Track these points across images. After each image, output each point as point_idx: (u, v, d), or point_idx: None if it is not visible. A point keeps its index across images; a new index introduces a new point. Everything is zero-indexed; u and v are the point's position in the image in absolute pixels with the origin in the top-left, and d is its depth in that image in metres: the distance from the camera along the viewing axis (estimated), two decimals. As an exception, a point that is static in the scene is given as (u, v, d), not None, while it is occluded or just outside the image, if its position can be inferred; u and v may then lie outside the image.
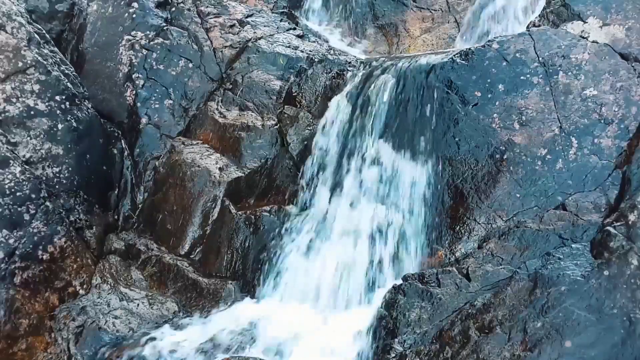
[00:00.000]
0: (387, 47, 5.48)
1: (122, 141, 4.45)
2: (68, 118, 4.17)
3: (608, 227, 3.22)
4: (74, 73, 4.39)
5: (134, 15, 4.70)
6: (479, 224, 3.64)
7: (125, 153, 4.43)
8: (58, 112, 4.14)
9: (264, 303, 3.79)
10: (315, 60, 4.52)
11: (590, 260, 3.17)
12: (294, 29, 4.96)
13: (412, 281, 3.47)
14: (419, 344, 3.27)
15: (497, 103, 3.81)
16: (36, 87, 4.09)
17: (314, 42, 4.86)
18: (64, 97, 4.19)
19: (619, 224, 3.20)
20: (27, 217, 3.86)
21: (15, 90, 4.04)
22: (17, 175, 3.88)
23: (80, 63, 4.67)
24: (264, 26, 4.89)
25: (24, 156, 3.99)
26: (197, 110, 4.54)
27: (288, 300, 3.76)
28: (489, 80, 3.85)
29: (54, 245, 3.92)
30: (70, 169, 4.13)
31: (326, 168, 4.04)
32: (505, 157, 3.70)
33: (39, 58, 4.15)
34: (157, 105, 4.52)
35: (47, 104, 4.12)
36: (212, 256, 4.04)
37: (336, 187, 3.96)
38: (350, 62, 4.45)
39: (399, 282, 3.54)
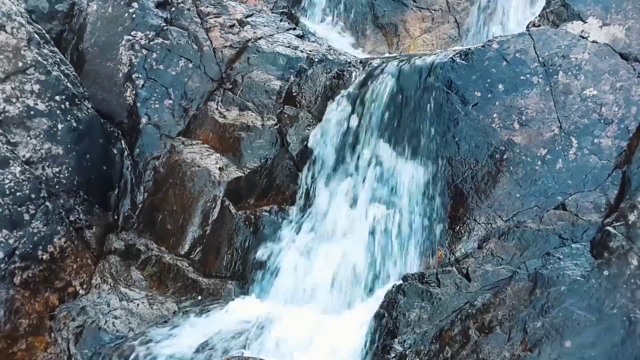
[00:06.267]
0: (387, 47, 5.48)
1: (122, 141, 4.45)
2: (68, 118, 4.17)
3: (608, 227, 3.22)
4: (73, 73, 4.39)
5: (134, 15, 4.70)
6: (479, 224, 3.64)
7: (125, 153, 4.43)
8: (58, 112, 4.14)
9: (264, 303, 3.79)
10: (315, 60, 4.52)
11: (590, 260, 3.17)
12: (294, 29, 4.96)
13: (412, 281, 3.47)
14: (419, 344, 3.27)
15: (497, 103, 3.81)
16: (36, 87, 4.10)
17: (313, 42, 4.86)
18: (64, 97, 4.19)
19: (618, 224, 3.20)
20: (27, 217, 3.86)
21: (15, 90, 4.04)
22: (17, 175, 3.88)
23: (80, 63, 4.67)
24: (264, 26, 4.89)
25: (23, 156, 3.99)
26: (197, 110, 4.54)
27: (288, 301, 3.76)
28: (489, 80, 3.85)
29: (54, 245, 3.92)
30: (70, 169, 4.13)
31: (326, 168, 4.04)
32: (505, 157, 3.70)
33: (39, 58, 4.15)
34: (157, 105, 4.52)
35: (47, 104, 4.12)
36: (212, 256, 4.04)
37: (336, 187, 3.96)
38: (350, 62, 4.45)
39: (399, 282, 3.54)
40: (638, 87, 3.70)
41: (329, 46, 4.86)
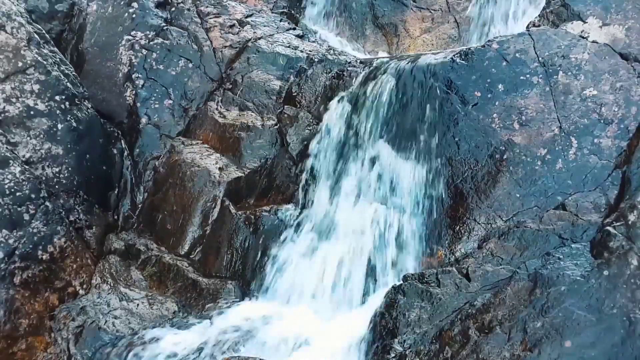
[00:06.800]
0: (387, 47, 5.48)
1: (122, 141, 4.45)
2: (68, 118, 4.17)
3: (608, 227, 3.22)
4: (73, 73, 4.39)
5: (134, 15, 4.70)
6: (479, 224, 3.64)
7: (125, 153, 4.43)
8: (58, 112, 4.14)
9: (264, 303, 3.79)
10: (315, 60, 4.52)
11: (590, 260, 3.17)
12: (294, 29, 4.96)
13: (412, 281, 3.47)
14: (418, 344, 3.27)
15: (497, 103, 3.81)
16: (36, 87, 4.09)
17: (313, 42, 4.86)
18: (63, 97, 4.19)
19: (618, 224, 3.20)
20: (26, 217, 3.86)
21: (15, 90, 4.04)
22: (17, 175, 3.88)
23: (80, 63, 4.67)
24: (264, 26, 4.89)
25: (23, 156, 3.99)
26: (197, 110, 4.54)
27: (288, 301, 3.76)
28: (488, 80, 3.85)
29: (54, 245, 3.92)
30: (70, 169, 4.13)
31: (326, 168, 4.04)
32: (505, 157, 3.70)
33: (39, 58, 4.15)
34: (156, 105, 4.52)
35: (46, 104, 4.12)
36: (212, 256, 4.04)
37: (336, 186, 3.96)
38: (350, 62, 4.45)
39: (399, 282, 3.54)
40: (638, 87, 3.70)
41: (329, 46, 4.86)
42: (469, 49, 3.99)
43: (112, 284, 4.00)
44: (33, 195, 3.90)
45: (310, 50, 4.64)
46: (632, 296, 2.98)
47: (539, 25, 4.08)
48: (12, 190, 3.84)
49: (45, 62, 4.16)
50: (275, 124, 4.33)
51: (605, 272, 3.08)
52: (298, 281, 3.78)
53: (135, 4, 4.72)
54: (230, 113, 4.45)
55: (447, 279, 3.43)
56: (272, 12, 5.16)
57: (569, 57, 3.84)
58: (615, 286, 3.03)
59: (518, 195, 3.63)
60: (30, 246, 3.84)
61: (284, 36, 4.81)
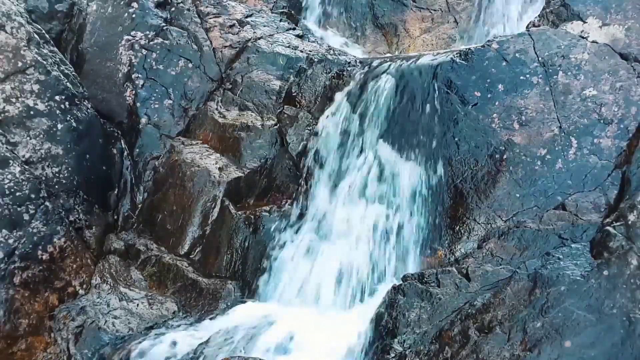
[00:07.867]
0: (386, 47, 5.48)
1: (122, 141, 4.45)
2: (68, 118, 4.17)
3: (608, 227, 3.22)
4: (73, 73, 4.39)
5: (134, 15, 4.70)
6: (479, 224, 3.64)
7: (125, 153, 4.43)
8: (57, 112, 4.14)
9: (264, 303, 3.79)
10: (315, 60, 4.52)
11: (589, 260, 3.17)
12: (294, 29, 4.96)
13: (412, 281, 3.47)
14: (418, 344, 3.27)
15: (496, 103, 3.81)
16: (36, 87, 4.09)
17: (313, 42, 4.86)
18: (63, 97, 4.19)
19: (618, 224, 3.20)
20: (26, 217, 3.86)
21: (14, 90, 4.04)
22: (17, 175, 3.88)
23: (80, 63, 4.67)
24: (264, 26, 4.89)
25: (23, 156, 3.99)
26: (196, 110, 4.54)
27: (288, 300, 3.76)
28: (488, 80, 3.85)
29: (54, 245, 3.92)
30: (69, 169, 4.13)
31: (326, 168, 4.04)
32: (504, 157, 3.70)
33: (39, 58, 4.15)
34: (156, 105, 4.52)
35: (46, 104, 4.12)
36: (211, 256, 4.04)
37: (336, 187, 3.96)
38: (349, 62, 4.45)
39: (399, 282, 3.54)
40: (638, 87, 3.70)
41: (329, 46, 4.86)
42: (469, 49, 3.99)
43: (112, 284, 4.00)
44: (33, 195, 3.90)
45: (310, 50, 4.64)
46: (632, 296, 2.99)
47: (538, 25, 4.08)
48: (12, 190, 3.84)
49: (45, 62, 4.16)
50: (275, 124, 4.34)
51: (605, 272, 3.08)
52: (298, 281, 3.78)
53: (135, 4, 4.72)
54: (230, 113, 4.45)
55: (447, 279, 3.43)
56: (272, 12, 5.16)
57: (569, 57, 3.84)
58: (615, 286, 3.03)
59: (518, 195, 3.63)
60: (30, 246, 3.84)
61: (284, 36, 4.81)
